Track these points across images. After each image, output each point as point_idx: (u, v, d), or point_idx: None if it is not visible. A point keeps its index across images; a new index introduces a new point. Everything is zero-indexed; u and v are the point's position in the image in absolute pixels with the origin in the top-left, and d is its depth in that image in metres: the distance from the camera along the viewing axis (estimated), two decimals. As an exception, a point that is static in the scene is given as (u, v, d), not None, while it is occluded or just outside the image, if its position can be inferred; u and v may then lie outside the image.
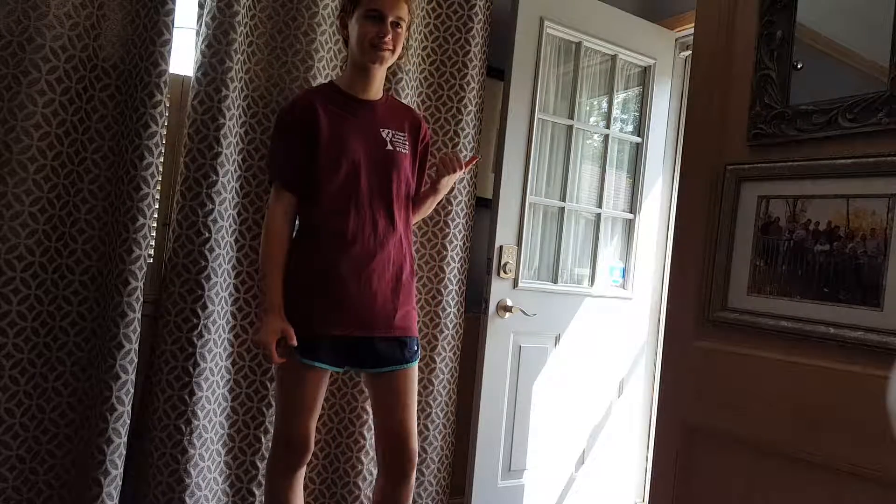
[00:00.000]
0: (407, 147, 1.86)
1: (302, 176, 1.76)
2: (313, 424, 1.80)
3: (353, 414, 2.30)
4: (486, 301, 2.45)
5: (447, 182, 1.93)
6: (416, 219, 2.01)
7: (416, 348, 1.85)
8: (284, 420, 1.80)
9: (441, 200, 2.16)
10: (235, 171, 2.09)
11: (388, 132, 1.83)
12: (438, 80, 2.44)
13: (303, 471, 1.86)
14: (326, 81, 2.01)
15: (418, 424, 2.38)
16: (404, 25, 1.80)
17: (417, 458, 1.88)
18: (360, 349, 1.77)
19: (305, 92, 1.88)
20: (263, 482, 2.06)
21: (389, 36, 1.75)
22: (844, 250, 1.27)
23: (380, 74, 1.84)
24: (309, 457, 1.83)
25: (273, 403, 2.13)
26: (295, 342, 1.69)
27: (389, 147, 1.82)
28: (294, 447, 1.79)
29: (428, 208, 2.05)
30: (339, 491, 2.31)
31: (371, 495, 2.30)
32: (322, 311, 1.74)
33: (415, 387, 1.86)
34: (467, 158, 2.12)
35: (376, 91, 1.86)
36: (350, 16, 1.80)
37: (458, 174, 1.91)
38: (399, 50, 1.81)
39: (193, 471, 2.00)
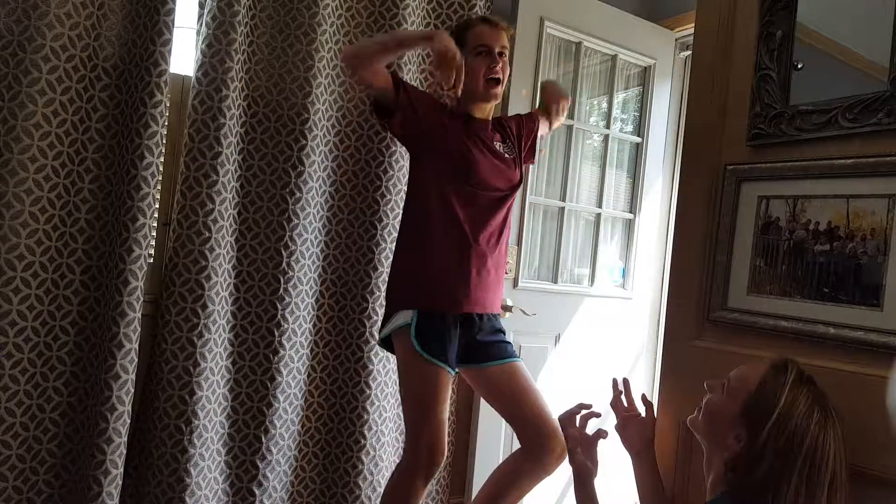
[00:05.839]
0: (514, 149, 2.02)
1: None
2: (438, 432, 1.82)
3: (354, 414, 2.30)
4: (487, 301, 2.45)
5: (559, 111, 2.12)
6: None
7: (511, 346, 2.00)
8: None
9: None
10: (236, 171, 2.09)
11: (499, 145, 1.99)
12: (438, 79, 2.44)
13: (426, 476, 1.82)
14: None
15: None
16: (506, 53, 1.93)
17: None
18: (470, 347, 1.90)
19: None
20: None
21: (500, 65, 1.90)
22: (844, 250, 1.27)
23: (493, 103, 1.99)
24: (439, 462, 1.83)
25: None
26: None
27: (501, 152, 1.97)
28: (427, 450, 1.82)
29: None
30: (339, 490, 2.31)
31: (370, 495, 2.31)
32: (448, 291, 1.84)
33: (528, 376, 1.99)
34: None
35: (489, 112, 2.00)
36: None
37: (566, 101, 2.12)
38: (506, 77, 1.95)
39: (193, 470, 2.00)
